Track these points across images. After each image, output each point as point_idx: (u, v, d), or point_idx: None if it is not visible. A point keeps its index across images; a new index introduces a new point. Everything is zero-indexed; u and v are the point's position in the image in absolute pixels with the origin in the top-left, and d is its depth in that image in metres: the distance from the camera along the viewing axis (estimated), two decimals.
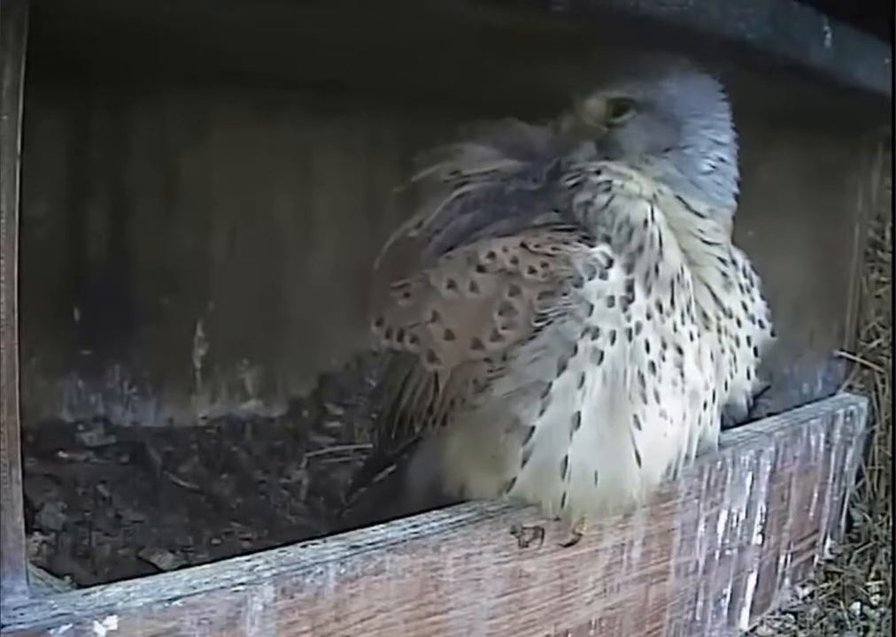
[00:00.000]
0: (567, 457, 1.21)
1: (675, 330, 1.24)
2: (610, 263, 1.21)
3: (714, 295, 1.30)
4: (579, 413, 1.19)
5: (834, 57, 1.66)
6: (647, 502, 1.50)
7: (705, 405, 1.32)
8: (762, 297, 1.37)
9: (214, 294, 2.39)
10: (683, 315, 1.25)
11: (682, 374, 1.26)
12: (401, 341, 1.35)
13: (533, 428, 1.20)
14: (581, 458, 1.21)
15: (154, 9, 1.33)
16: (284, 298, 2.49)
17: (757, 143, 2.34)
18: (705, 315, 1.29)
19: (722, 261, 1.29)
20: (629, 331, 1.20)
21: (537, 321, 1.19)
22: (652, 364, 1.22)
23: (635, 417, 1.22)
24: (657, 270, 1.22)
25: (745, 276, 1.34)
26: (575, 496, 1.26)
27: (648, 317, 1.22)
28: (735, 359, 1.34)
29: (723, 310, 1.31)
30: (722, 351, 1.32)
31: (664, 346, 1.23)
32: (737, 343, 1.33)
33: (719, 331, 1.30)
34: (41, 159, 1.51)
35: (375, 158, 2.57)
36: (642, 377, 1.21)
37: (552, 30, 1.32)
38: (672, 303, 1.24)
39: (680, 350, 1.25)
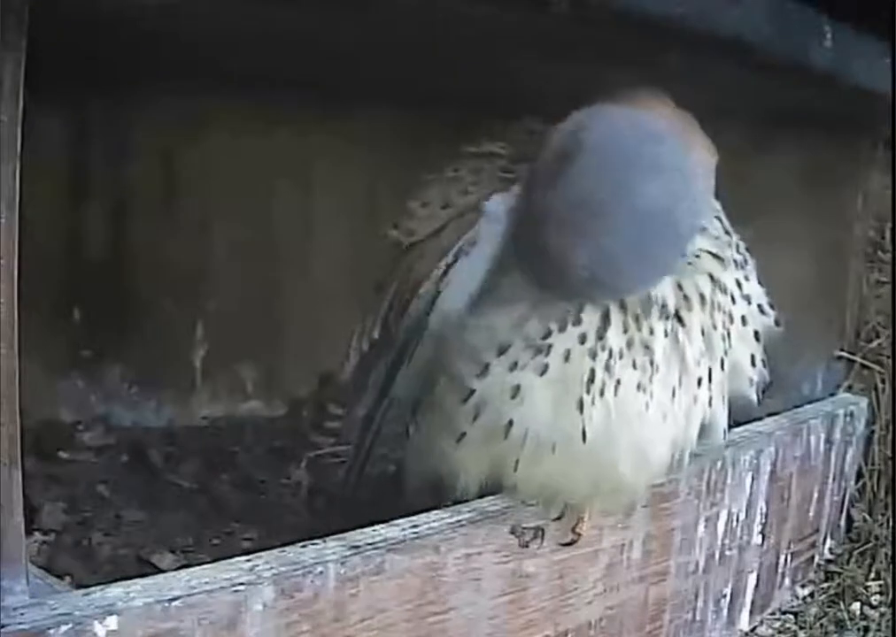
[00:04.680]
0: (511, 421, 1.21)
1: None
2: None
3: (710, 275, 1.25)
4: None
5: (834, 57, 1.66)
6: (648, 501, 1.50)
7: (699, 382, 1.27)
8: (760, 283, 1.34)
9: (214, 294, 2.39)
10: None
11: (649, 342, 1.21)
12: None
13: (473, 391, 1.22)
14: (529, 423, 1.21)
15: (154, 9, 1.33)
16: (284, 298, 2.49)
17: (757, 143, 2.36)
18: (702, 295, 1.24)
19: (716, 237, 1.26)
20: None
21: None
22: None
23: (591, 380, 1.19)
24: None
25: (739, 252, 1.29)
26: (531, 462, 1.24)
27: None
28: (728, 335, 1.28)
29: (719, 286, 1.25)
30: (714, 327, 1.26)
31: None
32: (731, 319, 1.27)
33: (712, 306, 1.25)
34: (41, 159, 1.51)
35: (376, 159, 2.57)
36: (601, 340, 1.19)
37: (552, 30, 1.32)
38: None
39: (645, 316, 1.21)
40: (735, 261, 1.28)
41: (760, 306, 1.33)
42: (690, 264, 1.21)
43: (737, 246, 1.29)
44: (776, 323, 1.36)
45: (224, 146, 2.32)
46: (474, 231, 1.24)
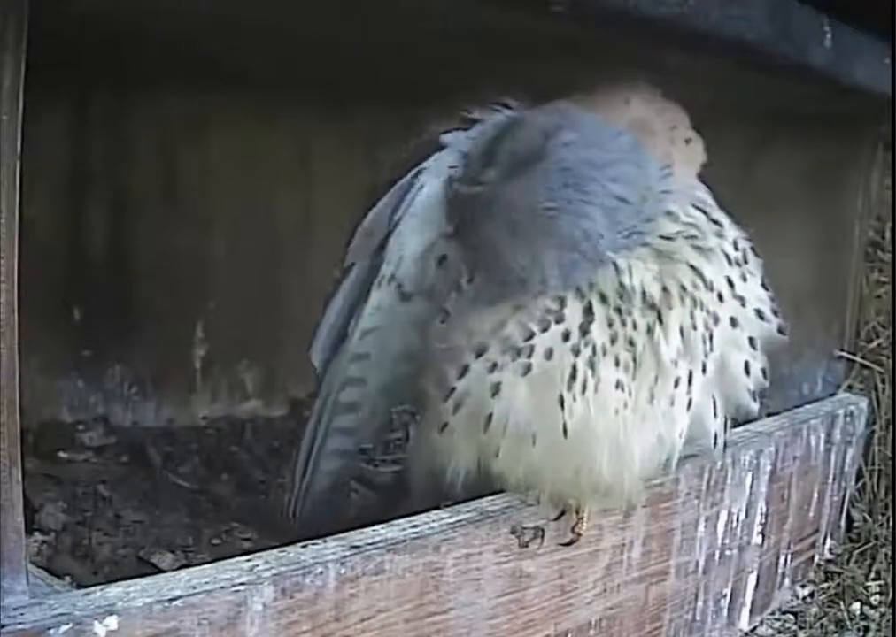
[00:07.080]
0: (490, 415, 1.22)
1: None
2: None
3: (689, 265, 1.19)
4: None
5: (834, 57, 1.66)
6: (648, 501, 1.50)
7: (676, 383, 1.22)
8: (765, 287, 1.27)
9: (214, 294, 2.39)
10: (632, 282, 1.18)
11: (632, 341, 1.19)
12: None
13: (454, 389, 1.23)
14: (508, 416, 1.21)
15: (154, 9, 1.33)
16: (284, 298, 2.49)
17: (756, 143, 2.36)
18: (683, 287, 1.19)
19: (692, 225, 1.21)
20: None
21: None
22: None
23: (572, 377, 1.19)
24: None
25: (736, 249, 1.23)
26: (511, 452, 1.25)
27: None
28: (711, 337, 1.21)
29: (703, 281, 1.19)
30: (694, 327, 1.19)
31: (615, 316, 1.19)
32: (716, 321, 1.21)
33: (693, 303, 1.19)
34: (41, 159, 1.51)
35: (376, 159, 2.57)
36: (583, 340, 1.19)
37: (552, 31, 1.32)
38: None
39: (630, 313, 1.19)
40: (727, 256, 1.22)
41: (758, 311, 1.26)
42: (661, 251, 1.18)
43: (735, 242, 1.23)
44: (780, 331, 1.29)
45: (224, 146, 2.32)
46: (430, 161, 1.28)
